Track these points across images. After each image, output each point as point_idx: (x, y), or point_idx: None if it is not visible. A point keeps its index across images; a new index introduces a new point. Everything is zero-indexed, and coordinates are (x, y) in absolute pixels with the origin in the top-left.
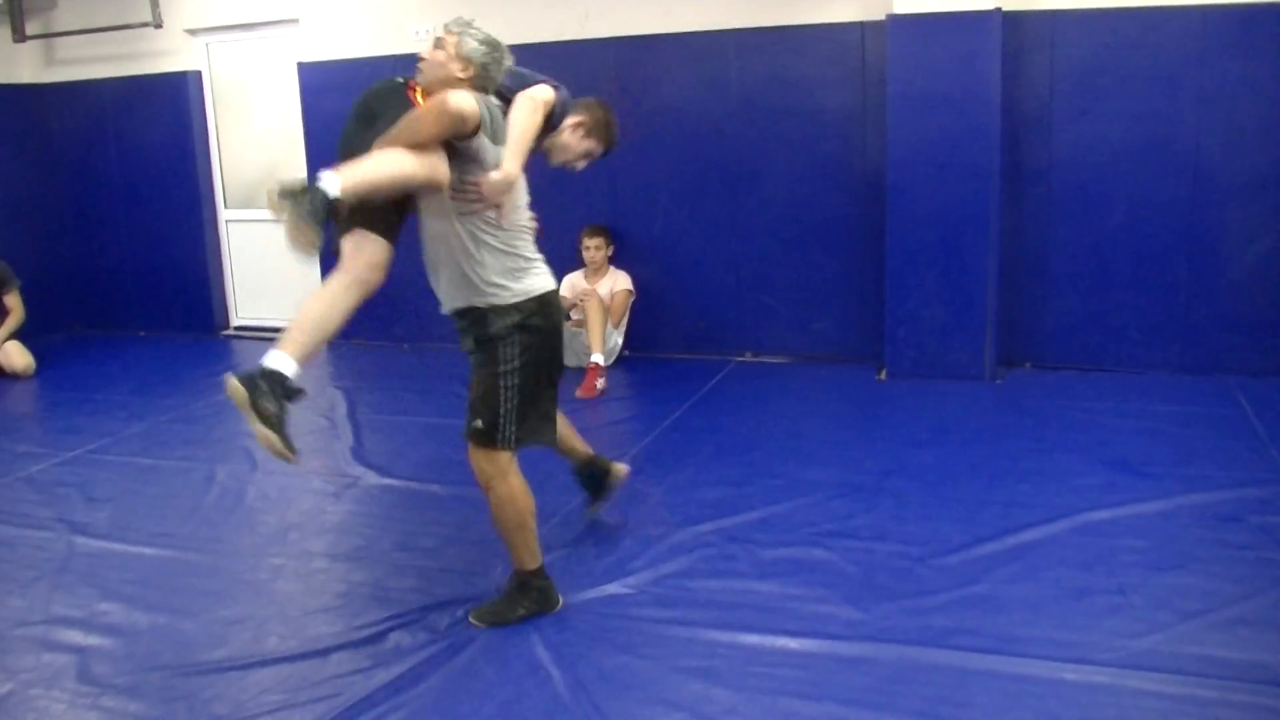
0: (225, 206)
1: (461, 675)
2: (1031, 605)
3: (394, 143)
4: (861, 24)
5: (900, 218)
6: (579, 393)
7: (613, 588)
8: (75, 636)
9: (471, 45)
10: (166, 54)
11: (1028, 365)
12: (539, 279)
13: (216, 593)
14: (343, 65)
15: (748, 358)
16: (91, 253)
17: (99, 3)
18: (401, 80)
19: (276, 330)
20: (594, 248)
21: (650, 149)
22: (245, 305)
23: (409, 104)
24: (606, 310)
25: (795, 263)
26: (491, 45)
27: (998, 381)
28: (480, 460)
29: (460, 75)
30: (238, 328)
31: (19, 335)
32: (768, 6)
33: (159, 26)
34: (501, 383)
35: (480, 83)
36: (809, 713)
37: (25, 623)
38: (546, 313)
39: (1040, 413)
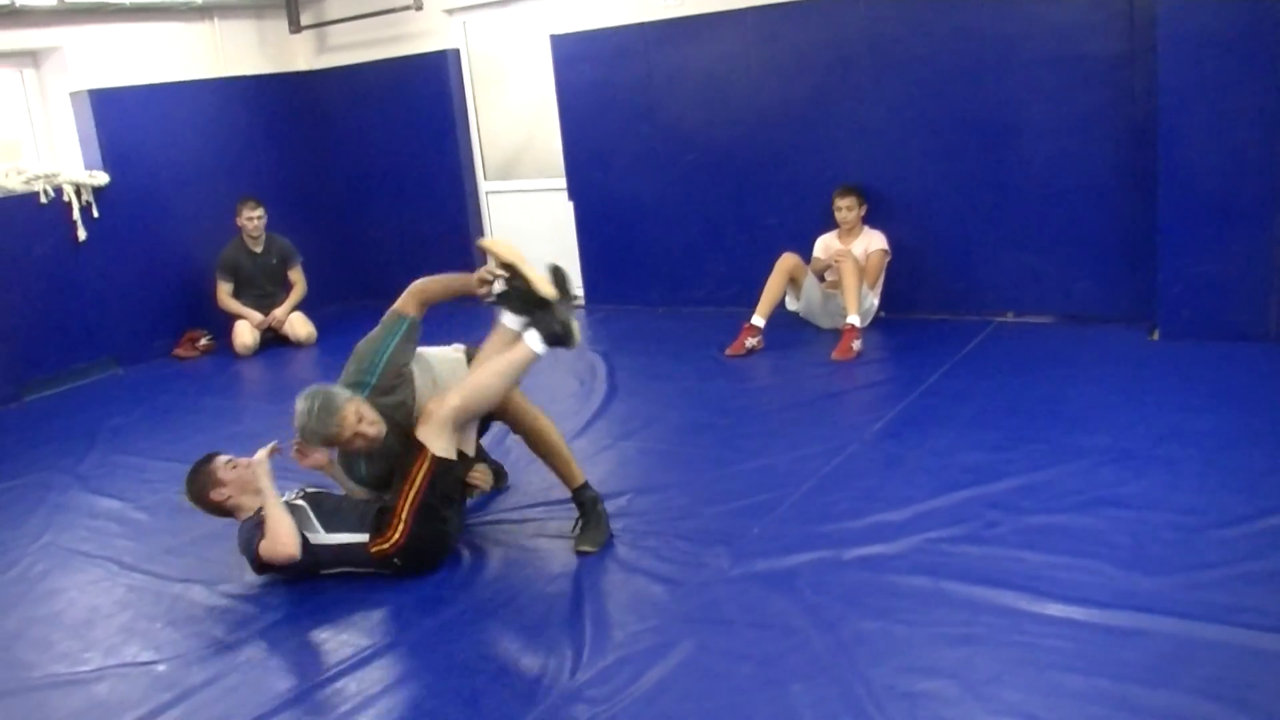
0: (485, 179)
1: (717, 634)
2: None
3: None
4: None
5: (1175, 168)
6: (834, 355)
7: (869, 550)
8: (355, 584)
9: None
10: (426, 34)
11: None
12: None
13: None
14: (594, 35)
15: (1009, 318)
16: (363, 228)
17: None
18: None
19: None
20: (845, 208)
21: (902, 104)
22: None
23: None
24: (861, 270)
25: (1058, 218)
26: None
27: None
28: None
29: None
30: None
31: (301, 307)
32: None
33: (419, 9)
34: None
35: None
36: (1077, 686)
37: (308, 575)
38: None
39: None
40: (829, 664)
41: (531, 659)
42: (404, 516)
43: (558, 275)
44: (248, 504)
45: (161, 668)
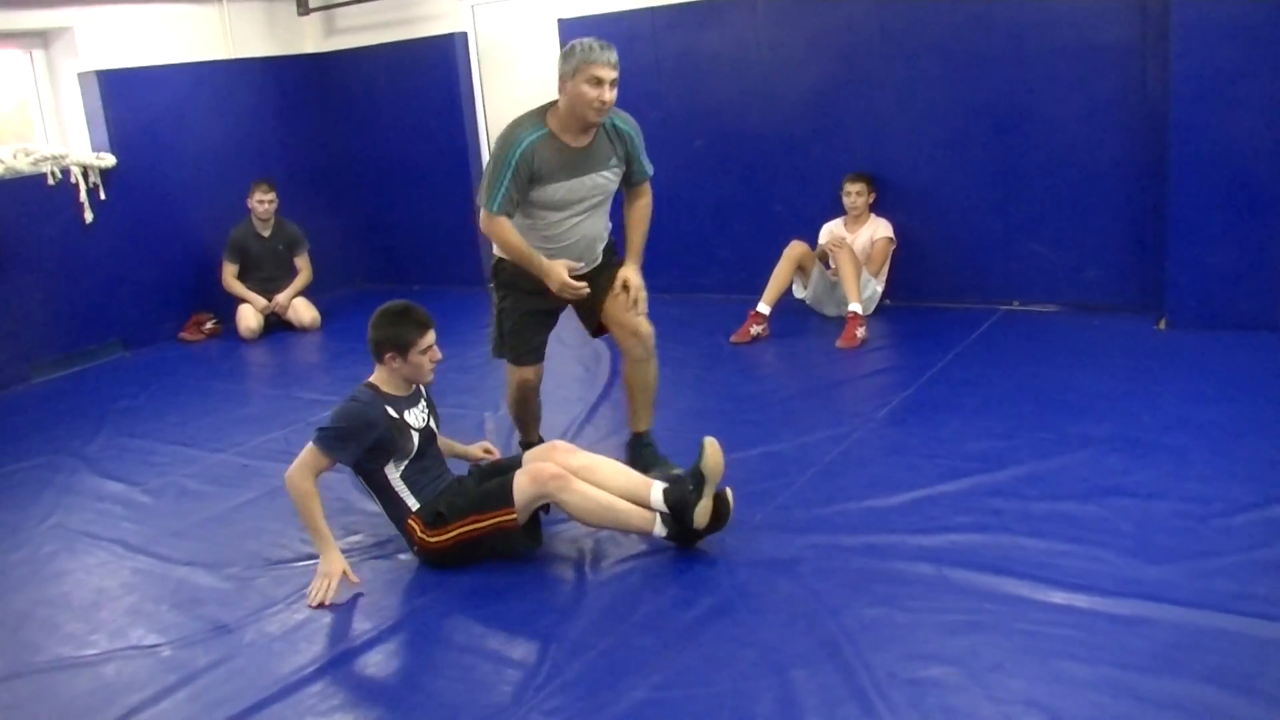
0: None
1: (721, 620)
2: None
3: None
4: None
5: (1185, 157)
6: (839, 343)
7: (873, 537)
8: (359, 568)
9: None
10: (434, 18)
11: None
12: None
13: None
14: (602, 19)
15: (1015, 307)
16: (370, 211)
17: None
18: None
19: None
20: (855, 193)
21: (912, 91)
22: None
23: None
24: (858, 260)
25: (1066, 207)
26: None
27: None
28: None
29: None
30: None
31: (307, 291)
32: None
33: None
34: None
35: None
36: (1082, 674)
37: (313, 557)
38: None
39: None
40: (832, 650)
41: (531, 641)
42: (453, 537)
43: (721, 509)
44: None
45: (167, 651)
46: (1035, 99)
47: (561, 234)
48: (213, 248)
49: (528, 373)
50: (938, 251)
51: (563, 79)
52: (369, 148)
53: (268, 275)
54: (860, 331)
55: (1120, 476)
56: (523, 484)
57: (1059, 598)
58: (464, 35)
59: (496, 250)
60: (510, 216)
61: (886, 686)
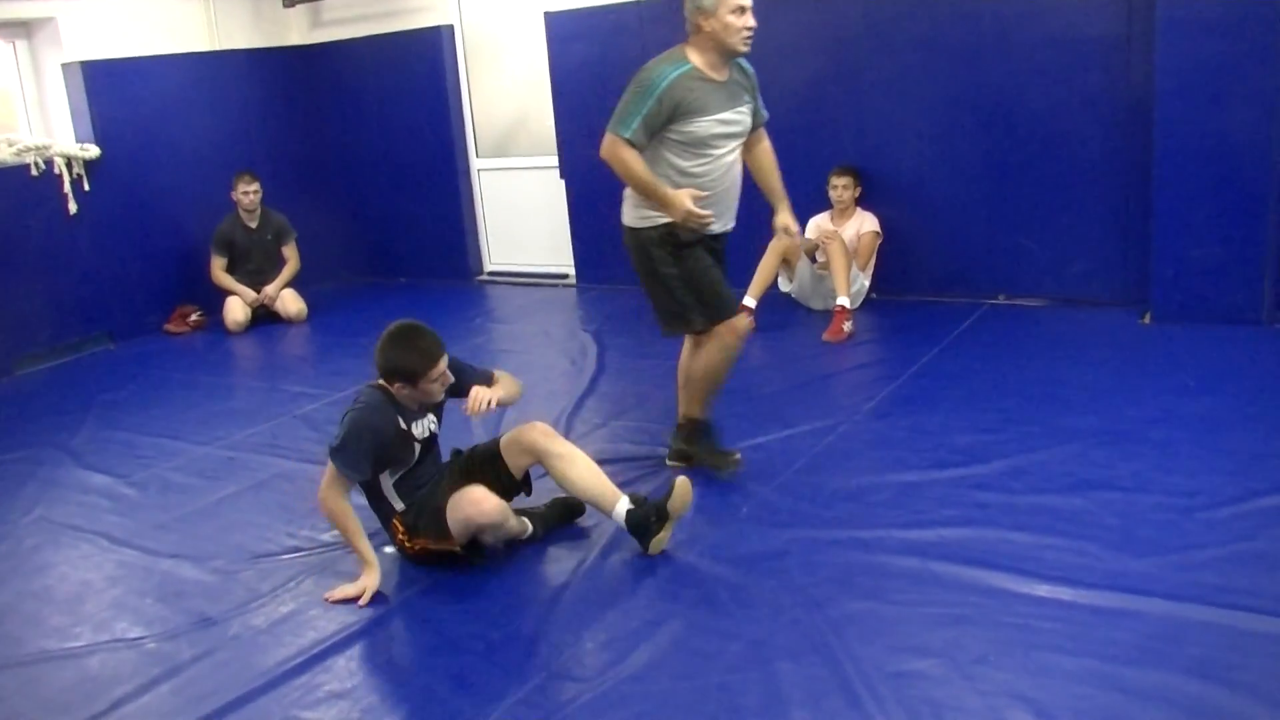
0: (477, 156)
1: (706, 613)
2: None
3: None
4: None
5: (1170, 151)
6: (826, 336)
7: (858, 531)
8: (344, 560)
9: None
10: (421, 10)
11: None
12: None
13: None
14: (589, 12)
15: (1001, 300)
16: (357, 204)
17: None
18: None
19: (527, 275)
20: (842, 187)
21: (898, 86)
22: (497, 251)
23: None
24: (849, 252)
25: (1053, 201)
26: None
27: (1277, 326)
28: None
29: None
30: (491, 273)
31: (293, 284)
32: None
33: None
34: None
35: None
36: (1067, 666)
37: (298, 550)
38: None
39: None
40: (818, 643)
41: (516, 634)
42: (422, 547)
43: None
44: None
45: (151, 644)
46: (1021, 93)
47: (714, 178)
48: (198, 240)
49: (744, 319)
50: (924, 245)
51: (704, 14)
52: (355, 141)
53: (256, 267)
54: (847, 325)
55: (1105, 470)
56: (453, 517)
57: (1044, 590)
58: (451, 28)
59: (633, 219)
60: (639, 150)
61: (873, 679)
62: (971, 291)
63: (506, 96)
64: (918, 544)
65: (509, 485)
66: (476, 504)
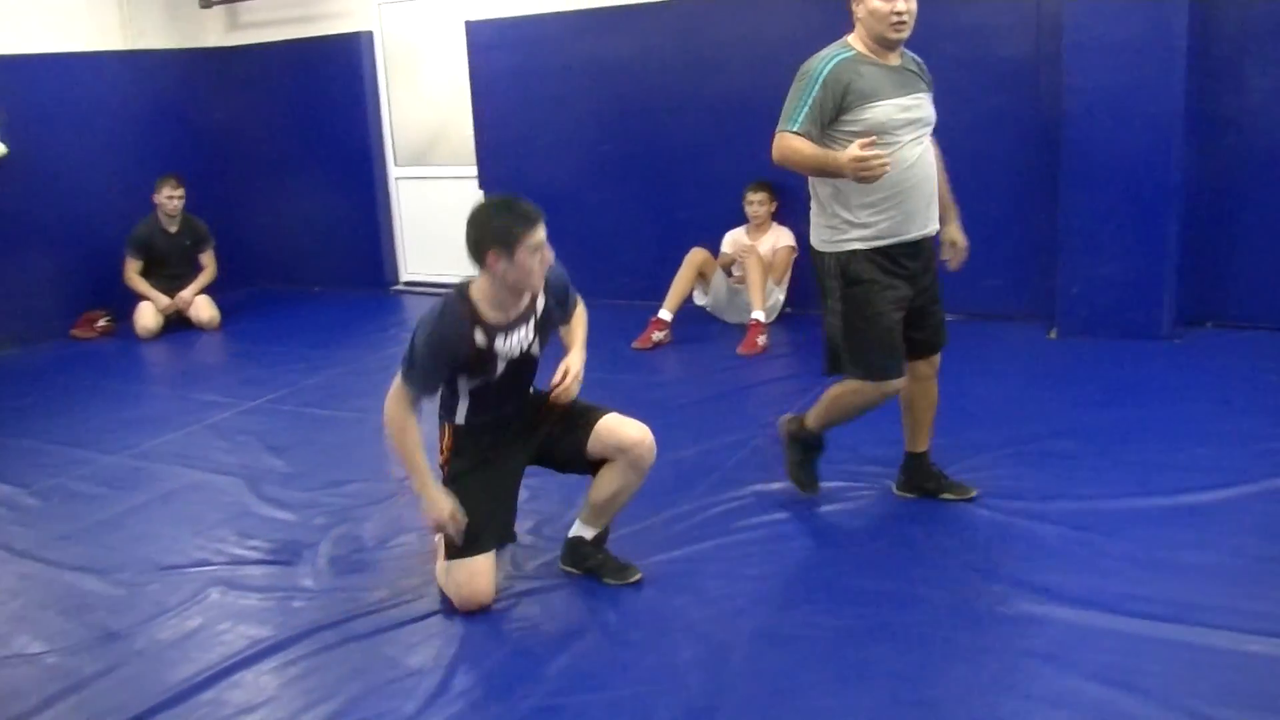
0: (395, 165)
1: (619, 627)
2: (1210, 572)
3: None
4: None
5: (1076, 171)
6: (740, 350)
7: (772, 545)
8: (254, 574)
9: None
10: (340, 15)
11: (1209, 325)
12: None
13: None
14: (512, 22)
15: None
16: (271, 211)
17: None
18: None
19: (443, 286)
20: (757, 203)
21: None
22: (414, 261)
23: None
24: (766, 267)
25: (965, 218)
26: None
27: (1177, 341)
28: None
29: None
30: (406, 283)
31: (207, 290)
32: None
33: None
34: None
35: None
36: (971, 674)
37: (207, 563)
38: None
39: (1222, 373)
40: (725, 658)
41: (430, 650)
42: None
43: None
44: None
45: (52, 658)
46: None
47: (905, 169)
48: (109, 243)
49: (897, 385)
50: None
51: (855, 0)
52: (272, 146)
53: (172, 272)
54: (762, 339)
55: (1011, 482)
56: (444, 580)
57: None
58: (370, 34)
59: (814, 239)
60: (811, 139)
61: (773, 694)
62: None
63: (426, 105)
64: (830, 556)
65: (568, 463)
66: (469, 582)
